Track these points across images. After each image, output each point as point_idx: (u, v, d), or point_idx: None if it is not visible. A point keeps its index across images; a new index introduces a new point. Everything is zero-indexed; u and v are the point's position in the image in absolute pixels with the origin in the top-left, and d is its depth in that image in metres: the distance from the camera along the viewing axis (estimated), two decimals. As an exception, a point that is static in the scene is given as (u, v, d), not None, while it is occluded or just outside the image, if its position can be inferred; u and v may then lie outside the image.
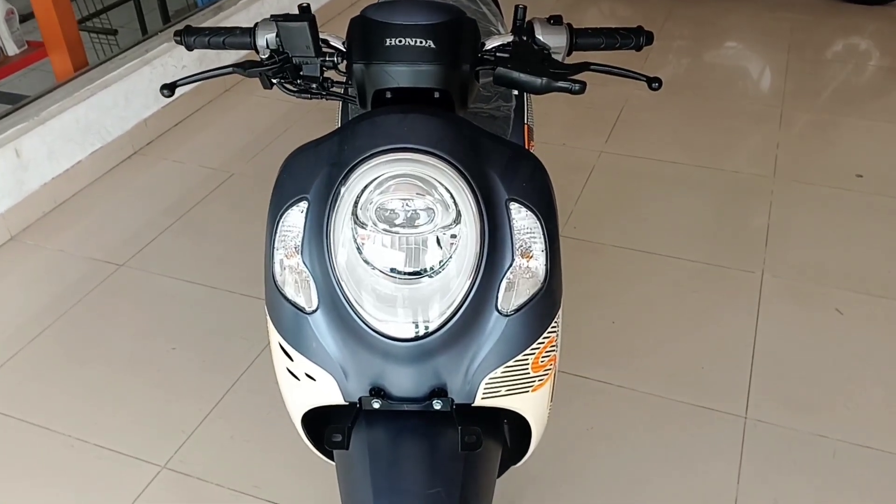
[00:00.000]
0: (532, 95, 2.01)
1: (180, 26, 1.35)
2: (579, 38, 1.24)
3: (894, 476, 1.87)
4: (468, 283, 1.10)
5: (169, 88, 1.25)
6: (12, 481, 1.91)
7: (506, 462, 1.46)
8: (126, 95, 3.15)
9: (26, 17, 3.20)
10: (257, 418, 2.04)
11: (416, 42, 1.13)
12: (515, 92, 1.83)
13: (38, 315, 2.41)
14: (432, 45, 1.13)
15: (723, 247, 2.64)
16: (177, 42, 1.31)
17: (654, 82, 1.21)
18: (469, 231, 1.10)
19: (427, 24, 1.13)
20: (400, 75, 1.15)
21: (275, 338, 1.20)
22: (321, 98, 1.28)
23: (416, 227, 1.10)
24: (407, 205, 1.09)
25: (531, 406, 1.24)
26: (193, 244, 2.70)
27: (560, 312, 1.24)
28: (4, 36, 3.04)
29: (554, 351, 1.23)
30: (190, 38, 1.30)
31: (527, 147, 1.80)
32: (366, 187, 1.09)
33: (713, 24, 4.38)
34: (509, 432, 1.40)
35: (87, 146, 3.01)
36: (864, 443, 1.96)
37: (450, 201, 1.09)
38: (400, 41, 1.13)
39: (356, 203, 1.10)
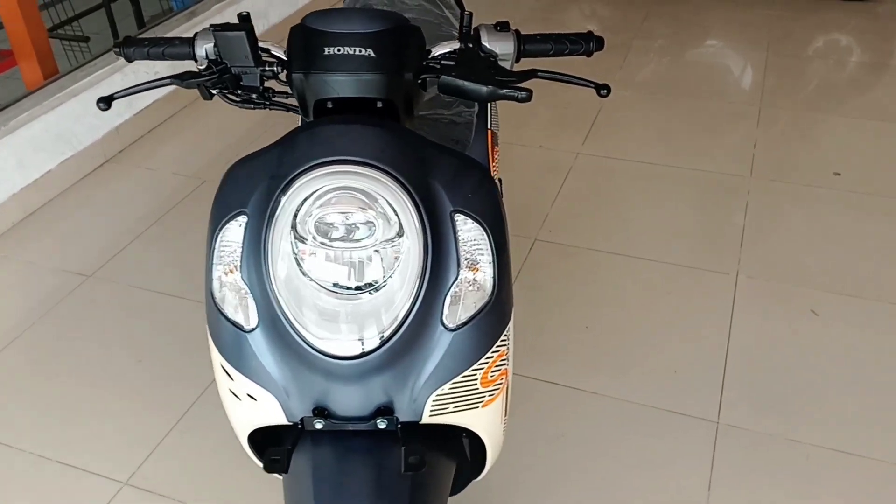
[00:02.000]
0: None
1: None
2: (527, 45, 1.21)
3: (868, 481, 1.85)
4: (411, 297, 1.07)
5: (105, 102, 1.22)
6: (-28, 500, 1.88)
7: (467, 476, 1.44)
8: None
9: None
10: (223, 432, 2.01)
11: (355, 51, 1.10)
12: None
13: (3, 329, 2.37)
14: (372, 54, 1.10)
15: (698, 248, 2.61)
16: (116, 54, 1.28)
17: (602, 89, 1.19)
18: (412, 245, 1.07)
19: (367, 32, 1.10)
20: (340, 85, 1.12)
21: (216, 357, 1.17)
22: (265, 108, 1.25)
23: (357, 241, 1.07)
24: (347, 218, 1.06)
25: (483, 422, 1.21)
26: (163, 253, 2.67)
27: (511, 325, 1.21)
28: (-29, 44, 2.99)
29: (505, 364, 1.20)
30: (129, 49, 1.27)
31: (490, 152, 1.77)
32: (305, 201, 1.06)
33: (692, 23, 4.36)
34: (470, 445, 1.37)
35: (57, 155, 2.97)
36: (838, 447, 1.93)
37: (392, 215, 1.06)
38: (339, 50, 1.10)
39: (295, 217, 1.07)
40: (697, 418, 2.02)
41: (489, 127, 1.78)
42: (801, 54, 3.97)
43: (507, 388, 1.24)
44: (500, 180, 2.30)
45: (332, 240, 1.06)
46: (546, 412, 2.06)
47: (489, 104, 1.81)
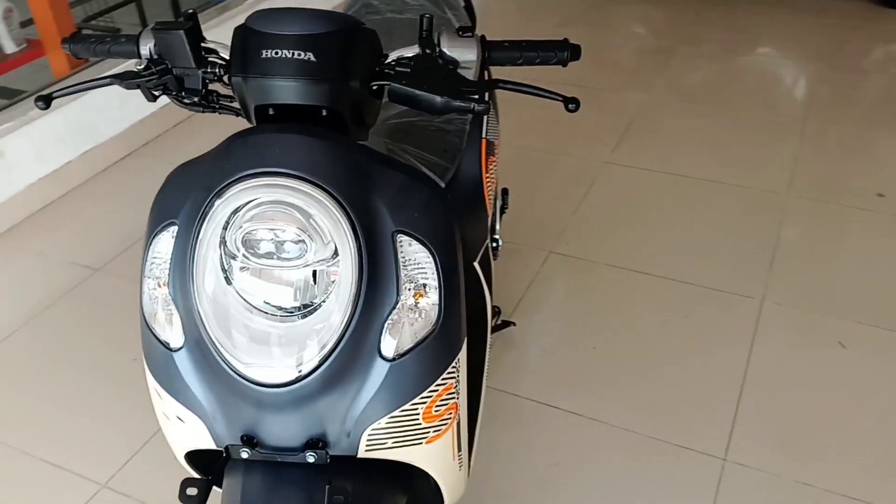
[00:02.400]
0: (496, 107, 1.88)
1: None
2: (493, 52, 1.11)
3: (883, 534, 1.70)
4: (343, 324, 0.99)
5: (44, 100, 1.16)
6: (-49, 494, 1.86)
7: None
8: (122, 95, 3.11)
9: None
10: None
11: (293, 54, 1.01)
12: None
13: (6, 320, 2.36)
14: (312, 58, 1.01)
15: (723, 269, 2.46)
16: (65, 50, 1.23)
17: (570, 103, 1.08)
18: (345, 266, 0.98)
19: (308, 34, 1.02)
20: (278, 91, 1.03)
21: (148, 377, 1.11)
22: (214, 112, 1.18)
23: (289, 259, 0.98)
24: (277, 235, 0.98)
25: (428, 459, 1.12)
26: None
27: (461, 356, 1.11)
28: (2, 34, 3.02)
29: (453, 398, 1.10)
30: (77, 45, 1.22)
31: (484, 163, 1.68)
32: (234, 214, 0.98)
33: (742, 29, 4.17)
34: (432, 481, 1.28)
35: (78, 147, 2.97)
36: (854, 494, 1.78)
37: (327, 233, 0.98)
38: (276, 53, 1.01)
39: (225, 230, 0.99)
40: (703, 454, 1.89)
41: (484, 136, 1.68)
42: (855, 66, 3.75)
43: (458, 422, 1.15)
44: (504, 191, 2.20)
45: (260, 256, 0.98)
46: (540, 438, 1.95)
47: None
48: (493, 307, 1.90)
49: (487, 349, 1.69)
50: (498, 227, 1.94)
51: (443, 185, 1.55)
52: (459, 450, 1.19)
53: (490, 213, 1.77)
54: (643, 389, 2.06)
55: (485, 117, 1.70)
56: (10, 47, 3.07)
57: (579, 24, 4.27)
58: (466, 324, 1.68)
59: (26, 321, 2.36)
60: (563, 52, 1.11)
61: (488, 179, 1.72)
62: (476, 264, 1.69)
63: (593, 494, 1.80)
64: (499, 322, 2.17)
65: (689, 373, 2.11)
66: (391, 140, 1.53)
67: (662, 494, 1.80)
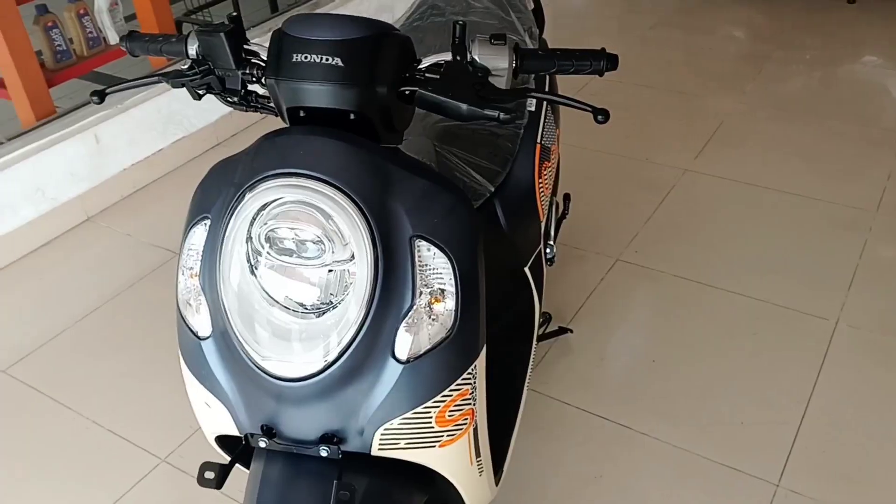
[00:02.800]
0: (556, 110, 1.87)
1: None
2: (526, 61, 1.10)
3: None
4: (357, 325, 1.01)
5: (98, 95, 1.23)
6: (26, 453, 2.00)
7: None
8: (212, 87, 3.24)
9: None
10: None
11: (322, 59, 1.04)
12: (530, 108, 1.71)
13: (88, 298, 2.51)
14: (340, 63, 1.04)
15: (799, 287, 2.36)
16: (122, 48, 1.30)
17: (599, 114, 1.06)
18: (361, 268, 1.01)
19: (337, 40, 1.04)
20: (308, 94, 1.06)
21: (181, 362, 1.16)
22: (255, 111, 1.23)
23: (309, 258, 1.01)
24: (297, 234, 1.01)
25: (442, 462, 1.13)
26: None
27: (478, 363, 1.11)
28: (107, 25, 3.19)
29: (469, 404, 1.11)
30: (133, 43, 1.28)
31: (537, 168, 1.67)
32: (260, 212, 1.02)
33: (843, 37, 3.96)
34: None
35: (168, 136, 3.12)
36: (915, 535, 1.68)
37: (345, 235, 1.00)
38: (306, 58, 1.04)
39: (251, 226, 1.03)
40: (755, 477, 1.83)
41: (538, 141, 1.67)
42: (969, 77, 3.51)
43: (474, 428, 1.15)
44: (566, 196, 2.18)
45: (282, 253, 1.01)
46: (587, 448, 1.93)
47: (541, 115, 1.70)
48: (544, 313, 1.89)
49: (531, 356, 1.69)
50: (553, 233, 1.93)
51: (492, 189, 1.56)
52: (478, 456, 1.20)
53: (544, 218, 1.76)
54: (700, 407, 2.01)
55: (540, 122, 1.69)
56: (114, 38, 3.25)
57: (671, 27, 4.17)
58: (513, 329, 1.68)
59: (110, 298, 2.51)
60: (598, 61, 1.09)
61: (542, 185, 1.71)
62: (527, 269, 1.69)
63: (635, 510, 1.77)
64: (554, 329, 2.15)
65: (750, 393, 2.03)
66: (440, 143, 1.54)
67: (708, 516, 1.75)
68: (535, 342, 1.71)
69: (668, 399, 2.04)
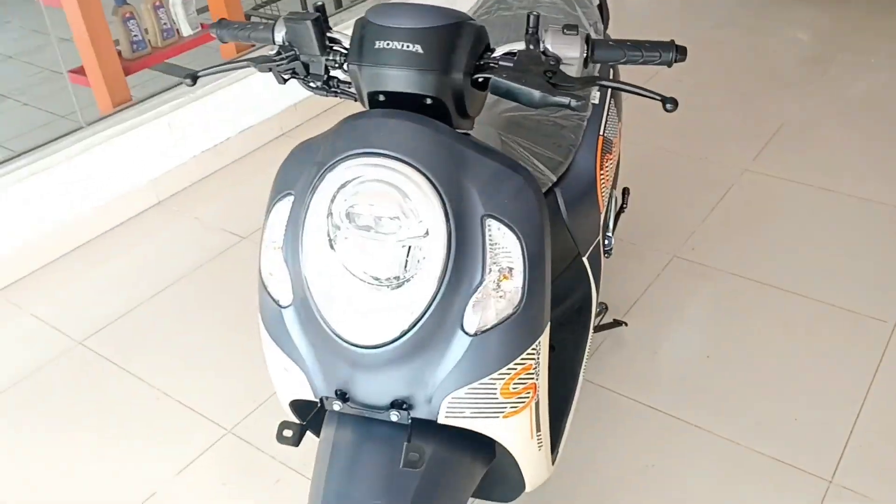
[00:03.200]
0: (619, 104, 1.90)
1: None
2: (597, 50, 1.14)
3: None
4: (430, 297, 1.07)
5: (191, 77, 1.31)
6: (100, 421, 2.11)
7: (519, 485, 1.42)
8: (279, 79, 3.34)
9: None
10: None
11: (402, 46, 1.10)
12: (594, 101, 1.74)
13: (159, 277, 2.63)
14: (420, 51, 1.10)
15: (857, 289, 2.35)
16: (211, 34, 1.38)
17: (668, 102, 1.10)
18: (435, 244, 1.07)
19: (417, 28, 1.10)
20: (388, 79, 1.13)
21: (261, 329, 1.24)
22: (336, 96, 1.29)
23: (385, 233, 1.08)
24: (375, 211, 1.07)
25: (505, 433, 1.18)
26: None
27: (542, 340, 1.16)
28: (181, 17, 3.32)
29: (532, 378, 1.16)
30: (222, 30, 1.36)
31: (599, 160, 1.71)
32: (341, 188, 1.09)
33: (914, 39, 3.89)
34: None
35: (238, 124, 3.24)
36: (971, 537, 1.68)
37: (420, 212, 1.06)
38: (388, 44, 1.11)
39: (332, 203, 1.10)
40: (808, 473, 1.84)
41: (601, 133, 1.71)
42: None
43: (537, 404, 1.20)
44: (624, 190, 2.21)
45: (360, 228, 1.08)
46: (640, 438, 1.96)
47: (605, 108, 1.74)
48: (600, 303, 1.92)
49: (588, 343, 1.73)
50: (611, 225, 1.96)
51: (554, 178, 1.60)
52: (538, 430, 1.25)
53: (603, 210, 1.80)
54: (753, 403, 2.02)
55: (603, 114, 1.73)
56: (187, 30, 3.37)
57: (735, 28, 4.14)
58: (571, 317, 1.73)
59: (180, 278, 2.62)
60: (668, 52, 1.13)
61: (603, 177, 1.74)
62: (585, 259, 1.73)
63: (686, 501, 1.80)
64: (609, 321, 2.19)
65: (805, 391, 2.04)
66: (505, 132, 1.59)
67: (759, 509, 1.77)
68: (591, 331, 1.76)
69: (722, 394, 2.05)
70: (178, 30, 3.36)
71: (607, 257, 1.95)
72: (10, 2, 5.35)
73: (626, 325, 2.24)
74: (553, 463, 1.43)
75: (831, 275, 2.41)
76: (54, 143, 2.75)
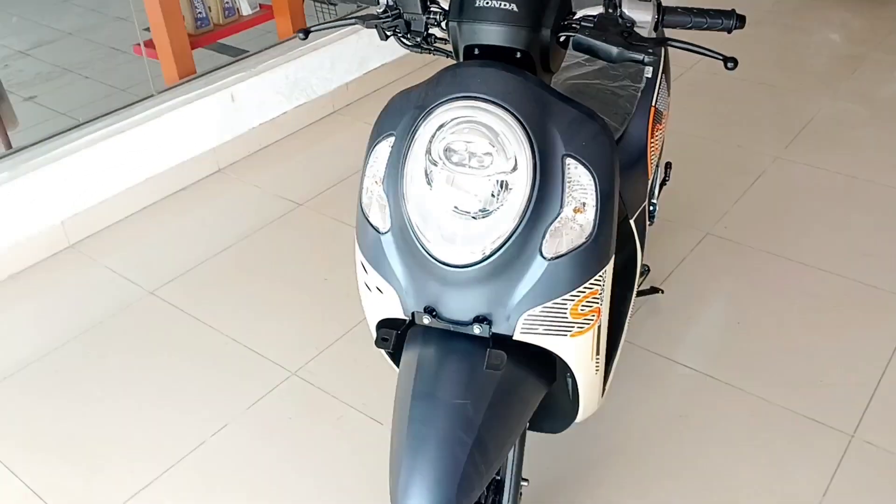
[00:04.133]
0: (668, 80, 2.05)
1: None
2: (667, 16, 1.30)
3: None
4: (515, 224, 1.23)
5: (304, 32, 1.48)
6: (172, 363, 2.29)
7: (566, 418, 1.58)
8: (332, 60, 3.53)
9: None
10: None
11: (500, 4, 1.26)
12: (648, 75, 1.90)
13: (223, 238, 2.81)
14: (515, 9, 1.26)
15: (882, 268, 2.49)
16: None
17: (729, 62, 1.26)
18: (521, 178, 1.23)
19: None
20: (485, 34, 1.29)
21: (357, 255, 1.40)
22: (430, 52, 1.46)
23: (477, 168, 1.24)
24: (469, 147, 1.23)
25: (570, 350, 1.34)
26: (363, 195, 3.00)
27: (608, 269, 1.32)
28: (241, -2, 3.51)
29: (597, 303, 1.32)
30: (327, -6, 1.53)
31: (650, 128, 1.86)
32: (440, 128, 1.25)
33: (946, 40, 4.01)
34: (572, 388, 1.50)
35: (293, 100, 3.41)
36: (983, 487, 1.82)
37: (509, 149, 1.22)
38: (487, 3, 1.27)
39: (431, 142, 1.26)
40: (832, 428, 1.98)
41: (653, 104, 1.87)
42: None
43: (599, 327, 1.36)
44: (667, 164, 2.36)
45: (456, 164, 1.24)
46: (674, 392, 2.11)
47: (658, 83, 1.89)
48: (643, 265, 2.07)
49: (633, 299, 1.88)
50: (657, 193, 2.11)
51: (610, 142, 1.75)
52: (597, 353, 1.41)
53: (650, 177, 1.95)
54: (782, 365, 2.17)
55: (656, 87, 1.88)
56: (246, 10, 3.56)
57: (772, 25, 4.27)
58: (620, 272, 1.88)
59: (242, 238, 2.80)
60: (729, 20, 1.29)
61: (653, 145, 1.90)
62: (632, 222, 1.88)
63: (716, 447, 1.95)
64: (647, 288, 2.34)
65: (831, 357, 2.19)
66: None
67: (785, 457, 1.91)
68: (636, 287, 1.91)
69: (752, 356, 2.20)
70: (238, 9, 3.54)
71: (651, 224, 2.10)
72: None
73: (662, 292, 2.39)
74: (602, 395, 1.59)
75: (860, 255, 2.55)
76: (128, 109, 2.94)
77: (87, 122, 2.87)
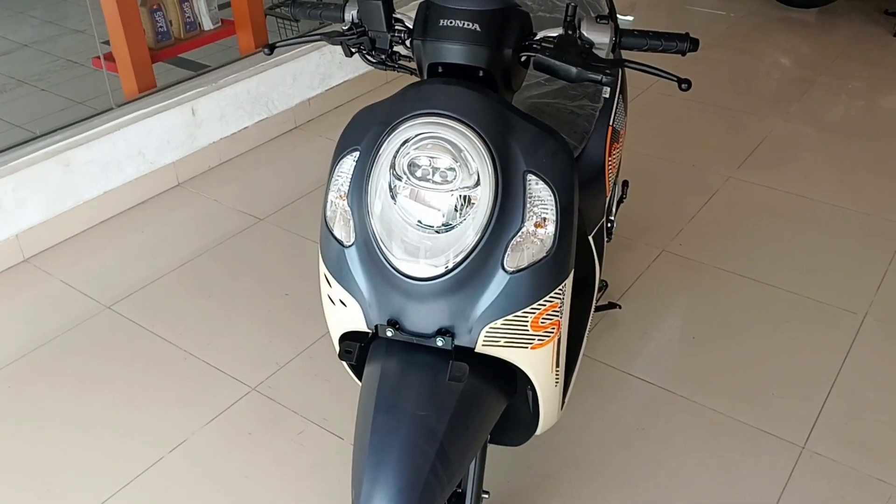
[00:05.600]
0: (625, 100, 2.11)
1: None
2: (623, 38, 1.35)
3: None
4: (477, 238, 1.26)
5: (269, 48, 1.50)
6: (128, 379, 2.26)
7: (527, 430, 1.60)
8: (294, 75, 3.53)
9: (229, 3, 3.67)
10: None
11: (464, 24, 1.30)
12: (606, 95, 1.95)
13: (183, 251, 2.79)
14: (478, 29, 1.29)
15: (830, 284, 2.57)
16: (286, 11, 1.56)
17: (683, 83, 1.31)
18: (484, 193, 1.25)
19: (477, 10, 1.30)
20: (448, 52, 1.32)
21: (321, 267, 1.41)
22: (394, 69, 1.48)
23: (440, 183, 1.26)
24: (433, 163, 1.26)
25: (531, 362, 1.36)
26: (324, 210, 3.01)
27: (567, 283, 1.35)
28: (203, 12, 3.50)
29: (557, 316, 1.35)
30: (296, 8, 1.55)
31: (608, 147, 1.91)
32: (404, 144, 1.27)
33: (890, 66, 4.17)
34: (532, 401, 1.52)
35: (254, 115, 3.41)
36: (926, 495, 1.88)
37: (472, 165, 1.25)
38: (451, 22, 1.30)
39: (395, 157, 1.28)
40: (783, 440, 2.04)
41: (611, 123, 1.92)
42: None
43: (559, 340, 1.39)
44: (624, 183, 2.42)
45: (420, 179, 1.26)
46: (632, 405, 2.15)
47: (615, 103, 1.94)
48: (602, 281, 2.12)
49: (591, 312, 1.92)
50: (615, 210, 2.16)
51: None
52: (557, 366, 1.43)
53: (608, 194, 2.00)
54: (735, 378, 2.22)
55: (613, 107, 1.93)
56: (208, 24, 3.55)
57: (724, 49, 4.40)
58: (578, 287, 1.92)
59: (201, 252, 2.78)
60: (683, 43, 1.34)
61: (610, 163, 1.95)
62: (591, 238, 1.92)
63: (673, 458, 1.99)
64: (605, 303, 2.38)
65: (781, 371, 2.25)
66: (529, 115, 1.79)
67: (738, 469, 1.96)
68: (594, 302, 1.95)
69: (706, 370, 2.26)
70: (200, 23, 3.53)
71: (609, 240, 2.15)
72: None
73: (619, 307, 2.43)
74: (562, 407, 1.62)
75: (807, 271, 2.63)
76: (86, 122, 2.91)
77: (45, 135, 2.83)
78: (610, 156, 1.92)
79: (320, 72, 3.64)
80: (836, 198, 3.03)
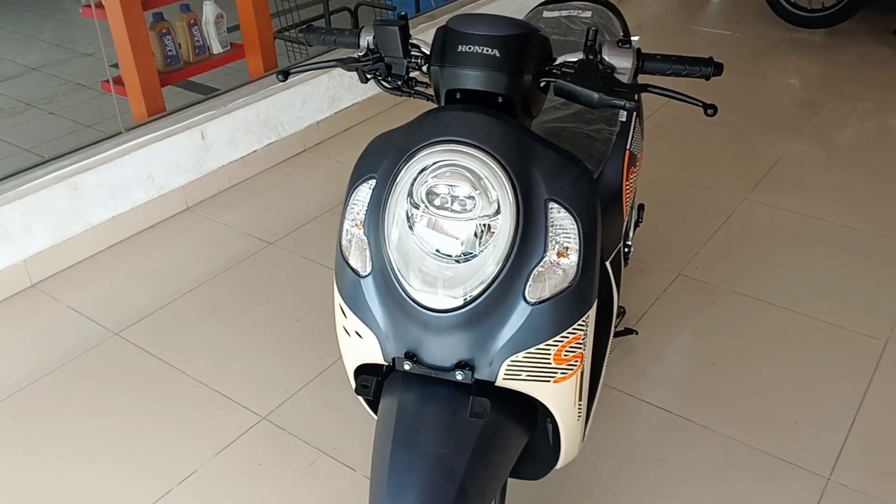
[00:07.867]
0: (641, 123, 2.08)
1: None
2: (646, 63, 1.32)
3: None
4: (497, 268, 1.22)
5: (283, 73, 1.47)
6: (136, 407, 2.22)
7: (547, 463, 1.55)
8: (303, 98, 3.52)
9: (237, 27, 3.67)
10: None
11: (483, 50, 1.27)
12: (622, 118, 1.92)
13: (193, 275, 2.76)
14: (497, 55, 1.26)
15: (851, 309, 2.52)
16: (301, 38, 1.54)
17: (709, 108, 1.27)
18: (505, 222, 1.22)
19: (496, 35, 1.27)
20: (467, 78, 1.29)
21: (336, 298, 1.38)
22: (409, 96, 1.45)
23: (459, 212, 1.23)
24: (453, 191, 1.22)
25: (553, 396, 1.32)
26: (336, 236, 2.97)
27: (591, 313, 1.31)
28: (212, 36, 3.49)
29: (580, 349, 1.31)
30: (310, 35, 1.53)
31: (625, 172, 1.88)
32: (422, 171, 1.24)
33: (901, 88, 4.14)
34: (553, 434, 1.48)
35: (263, 138, 3.39)
36: (957, 529, 1.82)
37: (492, 193, 1.22)
38: (470, 48, 1.27)
39: (413, 185, 1.25)
40: (807, 471, 1.98)
41: (628, 147, 1.88)
42: None
43: (582, 373, 1.34)
44: (640, 206, 2.38)
45: (438, 208, 1.23)
46: (651, 435, 2.10)
47: (632, 126, 1.91)
48: (619, 307, 2.07)
49: (610, 339, 1.88)
50: (631, 234, 2.12)
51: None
52: (580, 399, 1.39)
53: (626, 219, 1.96)
54: (756, 407, 2.17)
55: (630, 131, 1.90)
56: (217, 48, 3.54)
57: (734, 72, 4.35)
58: (596, 315, 1.87)
59: (211, 277, 2.75)
60: (707, 67, 1.31)
61: (627, 188, 1.91)
62: (608, 263, 1.88)
63: (695, 491, 1.93)
64: (622, 329, 2.34)
65: (803, 399, 2.20)
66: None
67: (760, 500, 1.90)
68: (613, 329, 1.90)
69: (726, 398, 2.20)
70: (209, 47, 3.52)
71: (626, 265, 2.11)
72: (51, 16, 5.52)
73: (636, 333, 2.39)
74: (583, 439, 1.57)
75: (826, 295, 2.58)
76: (95, 146, 2.89)
77: (53, 159, 2.82)
78: (627, 180, 1.89)
79: (329, 95, 3.62)
80: (851, 220, 2.98)
